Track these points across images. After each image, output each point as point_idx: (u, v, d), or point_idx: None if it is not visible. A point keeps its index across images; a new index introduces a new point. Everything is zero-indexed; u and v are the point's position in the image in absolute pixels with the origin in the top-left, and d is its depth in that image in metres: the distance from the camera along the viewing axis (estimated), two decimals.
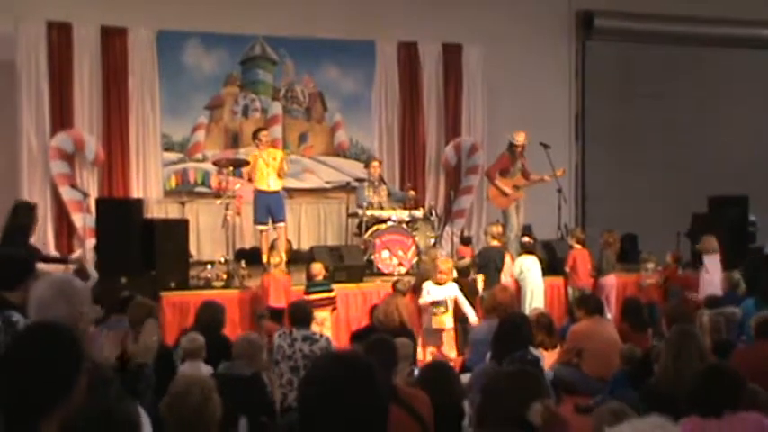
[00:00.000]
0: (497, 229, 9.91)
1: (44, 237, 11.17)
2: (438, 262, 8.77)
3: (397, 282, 8.68)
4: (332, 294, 8.99)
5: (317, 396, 2.20)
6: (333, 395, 2.18)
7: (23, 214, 8.14)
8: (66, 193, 11.16)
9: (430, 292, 8.46)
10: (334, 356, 2.41)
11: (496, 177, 11.03)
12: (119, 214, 9.27)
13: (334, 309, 9.05)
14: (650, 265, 10.04)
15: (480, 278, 9.54)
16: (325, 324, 8.59)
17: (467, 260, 9.48)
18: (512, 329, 5.50)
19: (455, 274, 9.49)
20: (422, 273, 9.72)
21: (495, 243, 9.80)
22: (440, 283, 8.48)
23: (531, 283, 9.82)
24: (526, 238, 10.43)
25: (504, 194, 10.99)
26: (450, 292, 8.49)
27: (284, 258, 9.43)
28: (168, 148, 12.13)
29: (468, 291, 9.04)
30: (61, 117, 11.41)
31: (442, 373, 4.81)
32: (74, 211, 11.09)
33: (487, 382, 3.45)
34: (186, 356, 5.53)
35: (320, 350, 6.23)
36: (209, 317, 6.54)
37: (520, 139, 10.95)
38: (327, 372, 2.24)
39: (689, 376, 4.28)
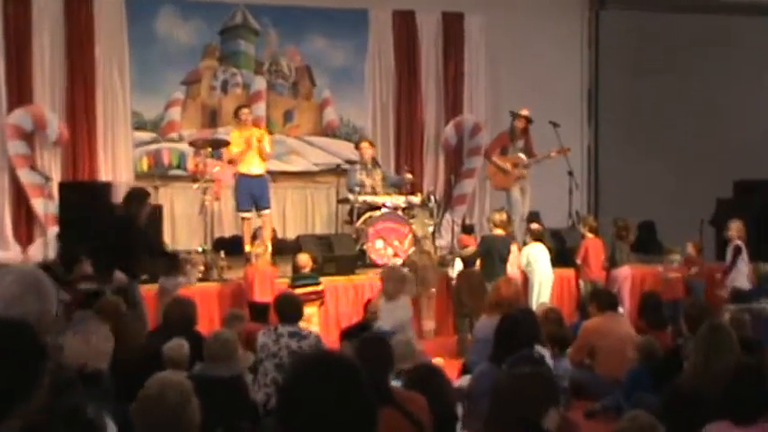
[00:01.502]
0: (501, 217, 9.89)
1: (1, 224, 11.12)
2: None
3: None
4: (319, 288, 8.98)
5: (295, 402, 2.18)
6: (312, 402, 2.16)
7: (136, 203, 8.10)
8: (26, 176, 11.09)
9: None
10: (314, 357, 2.39)
11: (493, 155, 11.07)
12: (84, 200, 9.22)
13: (322, 304, 9.04)
14: (675, 257, 10.02)
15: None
16: (312, 321, 8.58)
17: (471, 248, 9.46)
18: (513, 327, 5.49)
19: (460, 265, 9.50)
20: (417, 265, 9.71)
21: (498, 231, 9.79)
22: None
23: (540, 274, 9.83)
24: (535, 225, 10.43)
25: (504, 171, 10.99)
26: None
27: (269, 248, 9.40)
28: (139, 126, 12.07)
29: (474, 285, 9.05)
30: (18, 92, 11.32)
31: (430, 376, 4.80)
32: (34, 195, 11.02)
33: (499, 385, 3.45)
34: (168, 365, 5.48)
35: (309, 348, 6.21)
36: (179, 315, 6.49)
37: (523, 111, 10.99)
38: (306, 375, 2.22)
39: (722, 377, 4.26)
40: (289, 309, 6.53)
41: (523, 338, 5.41)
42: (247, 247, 9.96)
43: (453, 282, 9.66)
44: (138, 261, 7.84)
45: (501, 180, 11.12)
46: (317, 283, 8.99)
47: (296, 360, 2.79)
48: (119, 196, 11.06)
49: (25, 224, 11.31)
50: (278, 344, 6.28)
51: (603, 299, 7.85)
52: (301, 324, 6.67)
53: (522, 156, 11.09)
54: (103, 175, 11.57)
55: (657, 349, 6.69)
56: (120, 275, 7.56)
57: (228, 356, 5.44)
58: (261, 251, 9.08)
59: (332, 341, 8.22)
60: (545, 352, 5.89)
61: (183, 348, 5.62)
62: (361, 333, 6.15)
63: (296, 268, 9.11)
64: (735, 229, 9.89)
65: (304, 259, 9.06)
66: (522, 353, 5.21)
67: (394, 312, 7.73)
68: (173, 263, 8.39)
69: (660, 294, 9.22)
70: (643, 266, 10.76)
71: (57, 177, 11.16)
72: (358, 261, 10.20)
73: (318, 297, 8.97)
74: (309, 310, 8.62)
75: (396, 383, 4.78)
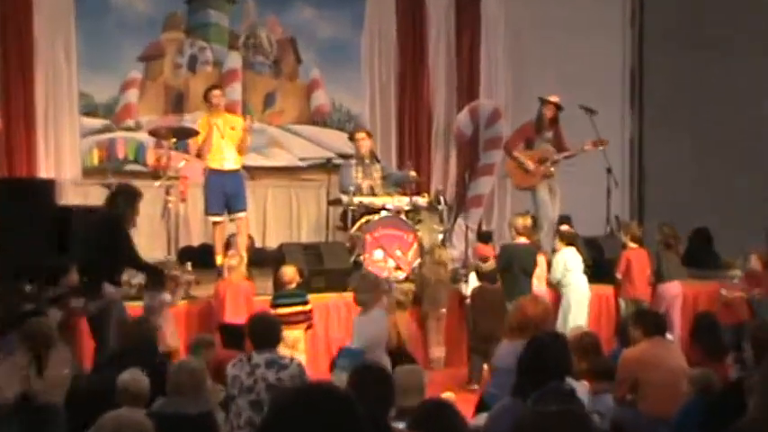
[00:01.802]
0: (525, 222, 9.89)
1: None
2: None
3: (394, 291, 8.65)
4: (307, 308, 8.96)
5: None
6: None
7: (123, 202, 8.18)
8: None
9: None
10: (301, 391, 2.37)
11: (515, 149, 11.07)
12: (22, 200, 9.20)
13: (309, 327, 9.03)
14: (736, 272, 10.01)
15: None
16: (297, 347, 8.57)
17: (491, 262, 9.46)
18: (542, 354, 5.46)
19: (475, 281, 9.49)
20: (424, 279, 9.69)
21: (522, 240, 9.78)
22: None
23: (577, 289, 9.82)
24: (565, 226, 10.42)
25: (525, 169, 10.97)
26: None
27: (245, 259, 9.38)
28: (89, 111, 12.06)
29: (492, 304, 9.03)
30: None
31: (440, 414, 4.76)
32: None
33: (523, 423, 3.42)
34: (123, 401, 5.46)
35: (290, 379, 6.18)
36: (137, 339, 6.47)
37: (553, 98, 11.00)
38: (291, 411, 2.20)
39: None
40: (263, 331, 6.50)
41: (553, 368, 5.38)
42: (219, 258, 9.95)
43: (467, 300, 9.65)
44: (122, 270, 7.87)
45: (522, 178, 11.13)
46: (305, 302, 8.96)
47: (278, 394, 2.77)
48: (64, 196, 11.11)
49: None
50: (253, 376, 6.21)
51: (649, 321, 7.80)
52: (285, 351, 6.64)
53: (551, 149, 11.09)
54: (45, 171, 11.54)
55: (715, 383, 6.66)
56: (110, 289, 7.59)
57: (196, 390, 5.42)
58: (235, 263, 9.06)
59: (321, 371, 8.20)
60: (577, 385, 5.86)
61: (141, 381, 5.59)
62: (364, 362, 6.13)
63: (279, 284, 9.08)
64: None
65: (290, 273, 9.03)
66: (549, 386, 5.18)
67: (367, 327, 7.67)
68: (157, 278, 8.40)
69: (717, 316, 9.20)
70: (697, 282, 10.73)
71: None
72: (352, 275, 10.18)
73: (306, 318, 8.95)
74: (295, 334, 8.61)
75: (398, 425, 4.75)
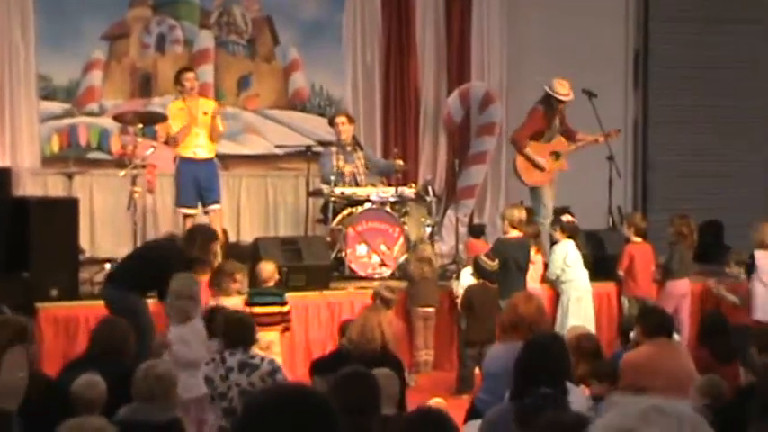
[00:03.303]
0: (519, 214, 9.89)
1: None
2: None
3: (379, 289, 8.65)
4: (285, 309, 8.95)
5: None
6: None
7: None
8: None
9: None
10: (272, 393, 2.38)
11: (527, 144, 10.93)
12: None
13: (286, 329, 9.03)
14: (740, 271, 10.05)
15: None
16: (272, 349, 8.56)
17: (493, 264, 9.43)
18: (540, 355, 5.48)
19: (468, 278, 9.49)
20: (410, 276, 9.70)
21: (514, 233, 9.79)
22: None
23: (578, 285, 9.84)
24: (567, 217, 10.41)
25: (540, 168, 10.90)
26: None
27: (219, 255, 9.38)
28: (48, 95, 12.02)
29: (485, 303, 9.05)
30: None
31: (434, 422, 4.78)
32: None
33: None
34: (79, 408, 5.46)
35: (260, 381, 6.19)
36: (108, 340, 6.47)
37: (563, 90, 10.85)
38: (261, 417, 2.21)
39: None
40: (236, 329, 6.51)
41: (552, 371, 5.41)
42: None
43: (458, 299, 9.65)
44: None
45: (536, 178, 10.97)
46: (283, 302, 8.96)
47: (249, 397, 2.75)
48: (21, 187, 11.07)
49: None
50: (226, 381, 6.23)
51: (653, 320, 7.80)
52: (256, 350, 6.66)
53: (563, 141, 11.02)
54: (0, 159, 11.51)
55: (723, 390, 6.68)
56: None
57: (164, 395, 5.44)
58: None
59: (299, 375, 8.23)
60: (576, 390, 5.89)
61: (97, 386, 5.59)
62: (338, 365, 6.13)
63: (256, 281, 9.08)
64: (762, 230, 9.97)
65: (268, 270, 9.04)
66: (542, 391, 5.20)
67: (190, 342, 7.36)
68: None
69: (728, 316, 9.26)
70: (704, 279, 10.76)
71: None
72: (334, 272, 10.19)
73: (283, 320, 8.96)
74: (270, 336, 8.62)
75: None
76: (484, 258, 9.55)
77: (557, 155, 10.97)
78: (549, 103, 10.94)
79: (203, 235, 8.66)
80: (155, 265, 8.09)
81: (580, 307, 9.85)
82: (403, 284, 9.81)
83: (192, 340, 6.89)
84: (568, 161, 11.15)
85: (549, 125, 11.00)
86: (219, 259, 9.39)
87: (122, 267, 8.69)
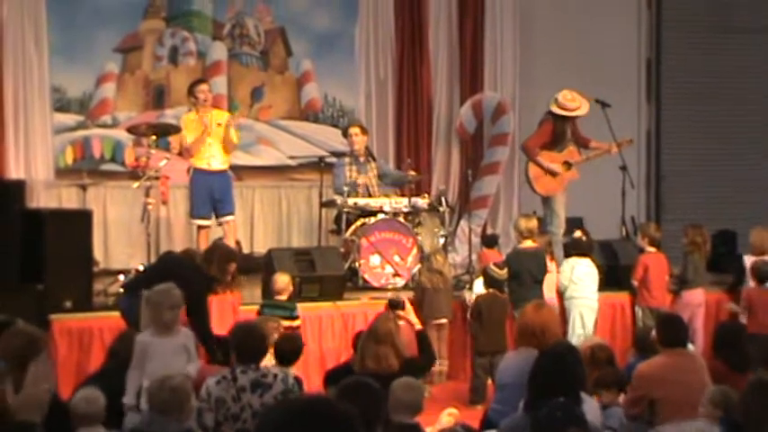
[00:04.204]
0: (530, 224, 9.86)
1: None
2: None
3: (392, 299, 8.64)
4: (295, 324, 8.79)
5: None
6: None
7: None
8: None
9: None
10: (292, 407, 2.36)
11: (538, 152, 10.90)
12: None
13: None
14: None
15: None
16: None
17: (503, 272, 9.41)
18: (555, 365, 5.48)
19: (480, 288, 9.47)
20: (423, 287, 9.68)
21: (527, 243, 9.77)
22: None
23: (582, 300, 9.81)
24: (578, 233, 10.38)
25: (553, 174, 10.87)
26: None
27: (235, 275, 9.36)
28: (62, 107, 12.06)
29: (496, 313, 9.03)
30: None
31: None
32: None
33: None
34: (78, 423, 5.45)
35: (274, 399, 6.11)
36: (125, 354, 6.47)
37: (571, 104, 10.76)
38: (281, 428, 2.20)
39: None
40: (248, 343, 6.43)
41: (568, 382, 5.40)
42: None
43: (470, 309, 9.63)
44: None
45: (549, 186, 10.93)
46: (294, 317, 8.84)
47: (271, 410, 2.69)
48: (35, 199, 11.10)
49: None
50: (239, 402, 6.09)
51: (669, 331, 7.77)
52: (266, 364, 6.56)
53: (575, 150, 10.98)
54: (14, 171, 11.53)
55: (736, 400, 6.64)
56: None
57: (179, 407, 5.43)
58: None
59: (314, 386, 8.21)
60: (589, 400, 5.88)
61: (96, 401, 5.58)
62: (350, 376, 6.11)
63: (269, 291, 9.05)
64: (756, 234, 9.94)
65: (283, 282, 8.94)
66: (557, 402, 5.18)
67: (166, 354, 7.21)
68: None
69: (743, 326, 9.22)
70: (719, 290, 10.73)
71: None
72: (347, 282, 10.18)
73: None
74: None
75: None
76: (493, 267, 9.53)
77: (568, 165, 10.93)
78: (557, 117, 10.90)
79: (222, 255, 8.66)
80: (174, 280, 8.06)
81: (584, 321, 9.81)
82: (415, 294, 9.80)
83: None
84: (581, 171, 11.12)
85: (560, 137, 10.95)
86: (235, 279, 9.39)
87: (140, 279, 8.67)
